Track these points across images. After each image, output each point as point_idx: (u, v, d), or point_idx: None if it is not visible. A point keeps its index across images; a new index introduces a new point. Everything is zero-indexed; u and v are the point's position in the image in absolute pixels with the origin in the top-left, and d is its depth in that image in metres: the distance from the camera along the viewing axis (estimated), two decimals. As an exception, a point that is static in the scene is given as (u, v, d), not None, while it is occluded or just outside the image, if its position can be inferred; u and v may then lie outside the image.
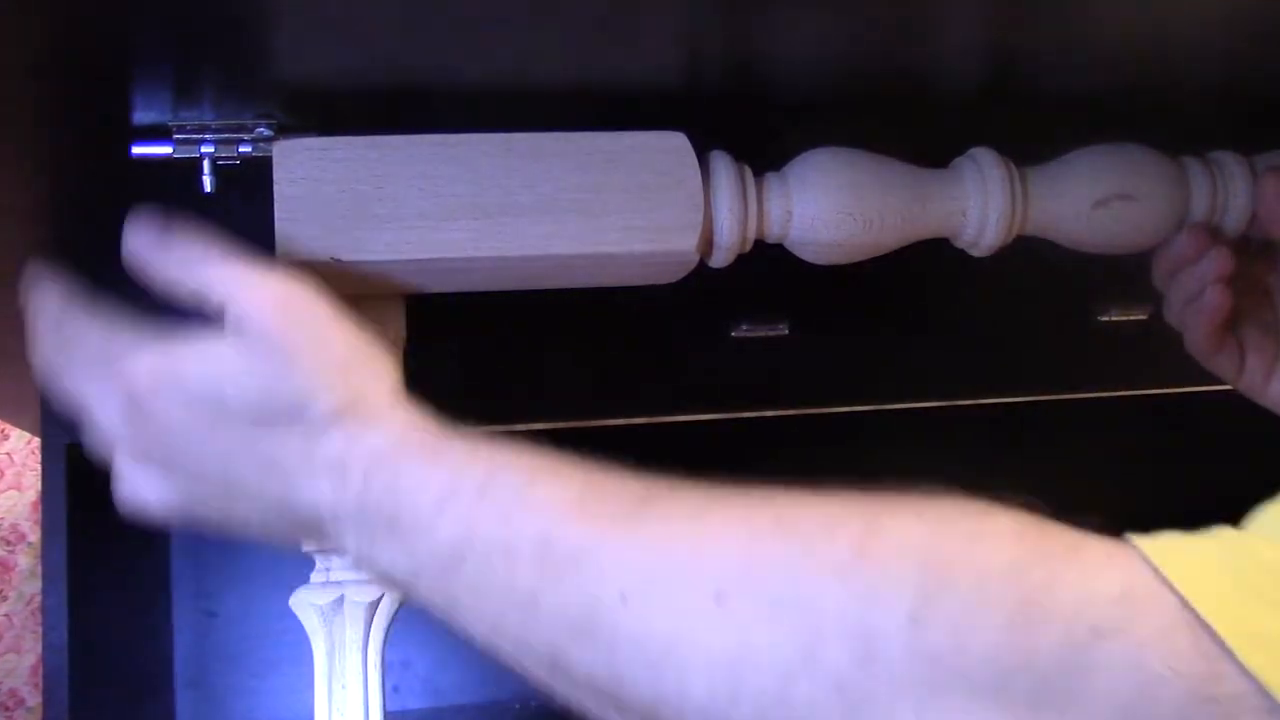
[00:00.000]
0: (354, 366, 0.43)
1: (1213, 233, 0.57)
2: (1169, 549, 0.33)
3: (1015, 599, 0.32)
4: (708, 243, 0.52)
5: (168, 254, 0.45)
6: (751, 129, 0.58)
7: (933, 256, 0.57)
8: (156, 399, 0.43)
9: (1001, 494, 0.36)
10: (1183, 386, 0.75)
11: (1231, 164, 0.57)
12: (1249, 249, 0.59)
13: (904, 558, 0.34)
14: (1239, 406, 0.61)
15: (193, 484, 0.44)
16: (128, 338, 0.44)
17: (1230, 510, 0.36)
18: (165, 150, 0.50)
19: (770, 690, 0.34)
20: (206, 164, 0.50)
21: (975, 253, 0.56)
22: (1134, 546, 0.33)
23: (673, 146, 0.51)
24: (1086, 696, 0.31)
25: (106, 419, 0.44)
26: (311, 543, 0.47)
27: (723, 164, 0.52)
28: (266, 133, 0.50)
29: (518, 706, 0.86)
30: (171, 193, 0.49)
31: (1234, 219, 0.57)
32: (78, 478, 0.63)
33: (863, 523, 0.35)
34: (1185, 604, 0.31)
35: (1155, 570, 0.32)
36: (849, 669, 0.33)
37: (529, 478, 0.40)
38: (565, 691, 0.39)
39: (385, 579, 0.43)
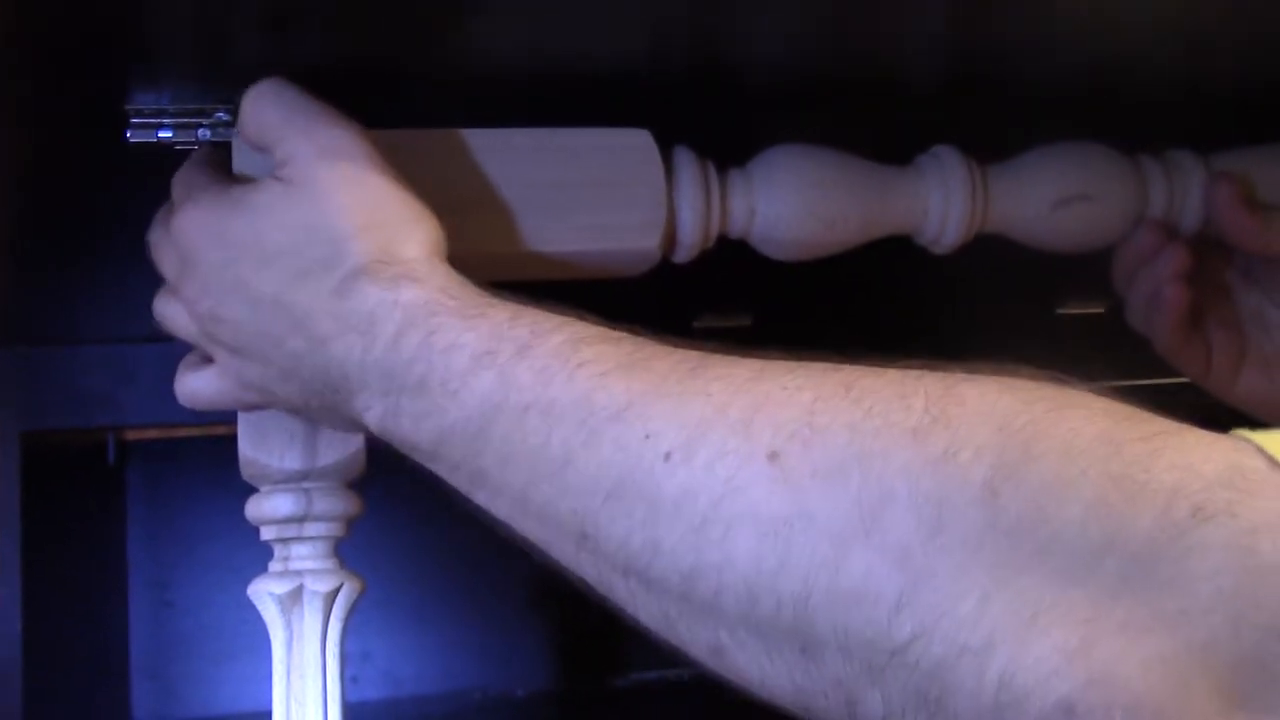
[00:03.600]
0: (393, 223, 0.43)
1: (1169, 230, 0.58)
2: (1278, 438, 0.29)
3: (1106, 472, 0.29)
4: (670, 240, 0.52)
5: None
6: (717, 120, 0.58)
7: (895, 250, 0.57)
8: (199, 250, 0.44)
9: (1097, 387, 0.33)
10: (1142, 379, 0.75)
11: (1188, 164, 0.58)
12: (1207, 248, 0.59)
13: (985, 423, 0.31)
14: (1198, 399, 0.61)
15: (236, 338, 0.44)
16: (195, 193, 0.45)
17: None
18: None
19: (823, 558, 0.31)
20: (168, 149, 0.50)
21: (936, 250, 0.56)
22: (1239, 435, 0.30)
23: (636, 144, 0.51)
24: (1183, 582, 0.27)
25: (166, 271, 0.46)
26: (342, 410, 0.43)
27: (686, 161, 0.52)
28: (225, 118, 0.49)
29: (478, 695, 0.86)
30: (135, 176, 0.49)
31: (1190, 218, 0.58)
32: (31, 466, 0.62)
33: (942, 388, 0.32)
34: None
35: (1266, 455, 0.29)
36: (914, 539, 0.30)
37: (575, 339, 0.38)
38: (591, 571, 0.37)
39: (409, 448, 0.41)
